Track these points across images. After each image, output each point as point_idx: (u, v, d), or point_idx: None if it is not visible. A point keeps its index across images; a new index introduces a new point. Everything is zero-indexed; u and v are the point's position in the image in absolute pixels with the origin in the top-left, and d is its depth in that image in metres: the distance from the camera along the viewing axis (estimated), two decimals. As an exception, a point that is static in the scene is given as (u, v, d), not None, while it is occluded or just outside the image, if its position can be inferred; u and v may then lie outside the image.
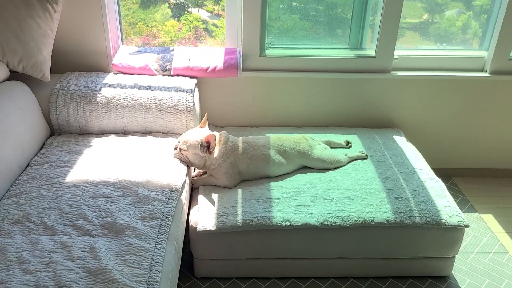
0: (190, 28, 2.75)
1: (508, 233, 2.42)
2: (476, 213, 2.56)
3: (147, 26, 2.73)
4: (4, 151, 1.82)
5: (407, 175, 2.19)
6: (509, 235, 2.40)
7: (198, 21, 2.75)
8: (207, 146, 2.03)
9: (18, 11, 2.09)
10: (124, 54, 2.50)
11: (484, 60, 2.67)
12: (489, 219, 2.51)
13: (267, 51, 2.58)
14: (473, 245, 2.32)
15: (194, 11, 2.77)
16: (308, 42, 2.71)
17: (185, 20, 2.74)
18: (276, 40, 2.67)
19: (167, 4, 2.72)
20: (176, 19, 2.74)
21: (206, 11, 2.79)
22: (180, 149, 2.05)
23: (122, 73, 2.45)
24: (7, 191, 1.80)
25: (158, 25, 2.74)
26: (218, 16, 2.78)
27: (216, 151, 2.07)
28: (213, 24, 2.79)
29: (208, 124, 2.21)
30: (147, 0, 2.68)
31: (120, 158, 2.03)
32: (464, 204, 2.63)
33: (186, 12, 2.74)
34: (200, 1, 2.74)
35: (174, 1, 2.74)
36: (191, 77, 2.45)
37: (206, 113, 2.24)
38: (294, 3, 2.67)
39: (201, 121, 2.23)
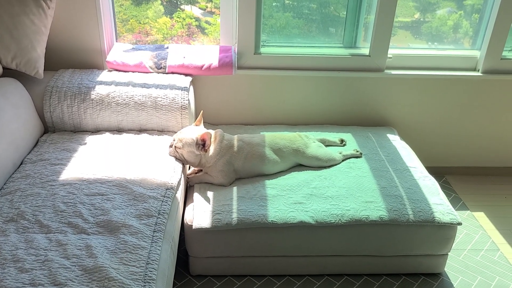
0: (182, 25, 2.74)
1: (499, 230, 2.45)
2: (468, 211, 2.59)
3: (140, 23, 2.72)
4: (-2, 149, 1.81)
5: (401, 173, 2.21)
6: (500, 233, 2.43)
7: (191, 19, 2.74)
8: (202, 144, 2.03)
9: (12, 8, 2.07)
10: (118, 52, 2.49)
11: (477, 60, 2.69)
12: (481, 217, 2.54)
13: (262, 49, 2.58)
14: (465, 242, 2.35)
15: (187, 8, 2.76)
16: (301, 41, 2.71)
17: (178, 17, 2.73)
18: (269, 38, 2.67)
19: (159, 1, 2.71)
20: (168, 16, 2.73)
21: (199, 8, 2.78)
22: (175, 147, 2.05)
23: (116, 70, 2.44)
24: (1, 189, 1.79)
25: (151, 22, 2.73)
26: (211, 13, 2.78)
27: (212, 149, 2.07)
28: (206, 22, 2.78)
29: (203, 122, 2.21)
30: (140, -3, 2.68)
31: (115, 156, 2.02)
32: (456, 202, 2.66)
33: (178, 9, 2.74)
34: (193, -2, 2.75)
35: (167, -2, 2.74)
36: (186, 74, 2.45)
37: (202, 111, 2.24)
38: (287, 1, 2.68)
39: (196, 119, 2.23)
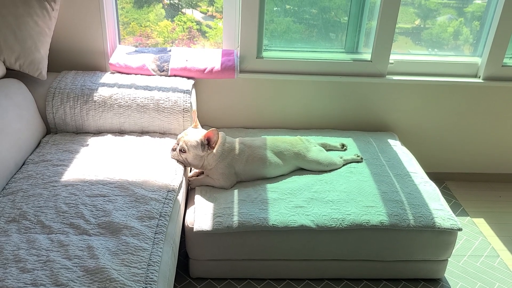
0: (183, 28, 2.75)
1: (499, 237, 2.45)
2: (468, 217, 2.59)
3: (141, 26, 2.72)
4: (1, 149, 1.81)
5: (402, 179, 2.21)
6: (500, 239, 2.44)
7: (192, 22, 2.75)
8: (207, 144, 2.03)
9: (16, 9, 2.08)
10: (121, 54, 2.50)
11: (478, 66, 2.71)
12: (481, 223, 2.55)
13: (264, 53, 2.59)
14: (465, 248, 2.35)
15: (188, 12, 2.77)
16: (302, 45, 2.72)
17: (179, 21, 2.74)
18: (270, 42, 2.68)
19: (161, 5, 2.72)
20: (169, 19, 2.74)
21: (200, 12, 2.79)
22: (179, 150, 2.04)
23: (119, 72, 2.45)
24: (3, 189, 1.79)
25: (152, 25, 2.74)
26: (212, 17, 2.79)
27: (213, 151, 2.08)
28: (207, 25, 2.79)
29: (205, 125, 2.21)
30: (140, -1, 2.68)
31: (117, 157, 2.02)
32: (456, 208, 2.66)
33: (179, 12, 2.74)
34: (194, 2, 2.75)
35: (168, 2, 2.74)
36: (188, 77, 2.46)
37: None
38: (288, 6, 2.69)
39: (195, 122, 2.22)
